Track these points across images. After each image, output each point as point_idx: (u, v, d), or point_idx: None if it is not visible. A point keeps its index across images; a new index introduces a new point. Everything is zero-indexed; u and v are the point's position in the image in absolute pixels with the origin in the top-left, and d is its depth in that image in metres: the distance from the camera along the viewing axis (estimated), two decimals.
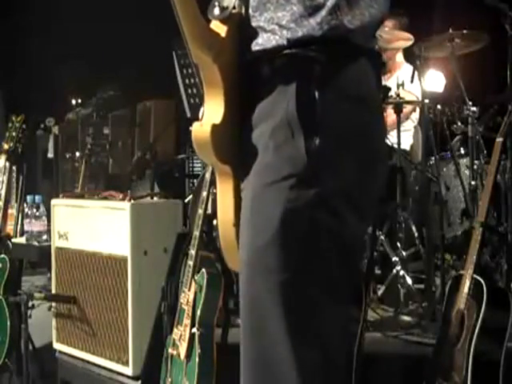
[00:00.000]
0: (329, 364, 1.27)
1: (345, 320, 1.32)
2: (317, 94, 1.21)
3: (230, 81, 1.28)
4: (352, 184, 1.25)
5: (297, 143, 1.21)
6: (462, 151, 3.89)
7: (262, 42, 1.26)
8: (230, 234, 1.34)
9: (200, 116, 1.34)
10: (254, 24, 1.27)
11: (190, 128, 1.31)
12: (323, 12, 1.22)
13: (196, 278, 2.38)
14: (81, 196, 3.16)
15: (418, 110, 4.28)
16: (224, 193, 1.34)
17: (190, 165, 5.59)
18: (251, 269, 1.24)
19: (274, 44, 1.25)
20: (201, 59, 1.26)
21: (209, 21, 1.30)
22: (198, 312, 2.34)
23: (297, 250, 1.22)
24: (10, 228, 3.96)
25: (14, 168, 3.66)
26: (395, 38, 3.99)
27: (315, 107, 1.22)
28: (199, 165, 5.32)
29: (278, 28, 1.24)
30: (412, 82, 3.60)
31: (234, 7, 1.29)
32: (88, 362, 2.87)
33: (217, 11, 1.28)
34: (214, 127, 1.26)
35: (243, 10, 1.30)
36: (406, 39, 3.96)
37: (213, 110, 1.29)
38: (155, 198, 3.07)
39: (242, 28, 1.29)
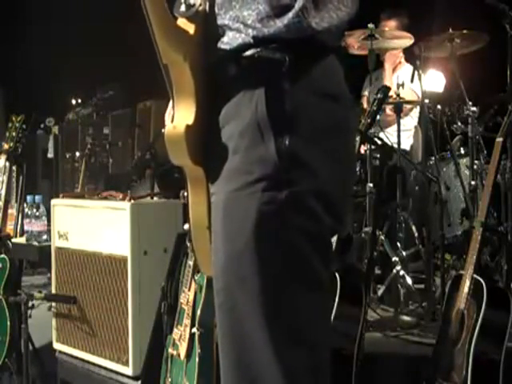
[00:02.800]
0: (315, 363, 1.25)
1: (326, 317, 1.33)
2: (285, 93, 1.20)
3: (200, 80, 1.26)
4: (326, 181, 1.23)
5: (267, 144, 1.19)
6: (462, 151, 3.89)
7: (227, 41, 1.25)
8: (204, 237, 1.31)
9: (169, 118, 1.31)
10: (219, 22, 1.26)
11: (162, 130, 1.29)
12: (290, 14, 1.21)
13: (196, 277, 2.38)
14: (81, 196, 3.16)
15: (418, 107, 4.28)
16: (196, 195, 1.31)
17: None
18: (227, 276, 1.22)
19: (239, 42, 1.24)
20: (170, 58, 1.24)
21: (176, 18, 1.27)
22: (198, 312, 2.34)
23: (272, 254, 1.19)
24: (10, 228, 3.96)
25: (13, 168, 3.66)
26: (395, 38, 3.99)
27: (284, 107, 1.20)
28: None
29: (243, 27, 1.23)
30: (412, 81, 3.60)
31: (200, 4, 1.27)
32: (88, 362, 2.87)
33: (183, 8, 1.26)
34: (188, 128, 1.24)
35: (208, 8, 1.28)
36: (406, 39, 3.96)
37: (184, 111, 1.26)
38: (155, 198, 3.07)
39: (207, 26, 1.27)
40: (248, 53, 1.23)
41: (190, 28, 1.26)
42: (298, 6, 1.21)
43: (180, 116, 1.26)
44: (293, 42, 1.22)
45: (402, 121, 3.73)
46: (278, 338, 1.20)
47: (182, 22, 1.26)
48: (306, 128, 1.21)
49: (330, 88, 1.25)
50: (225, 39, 1.25)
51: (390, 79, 4.32)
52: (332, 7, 1.25)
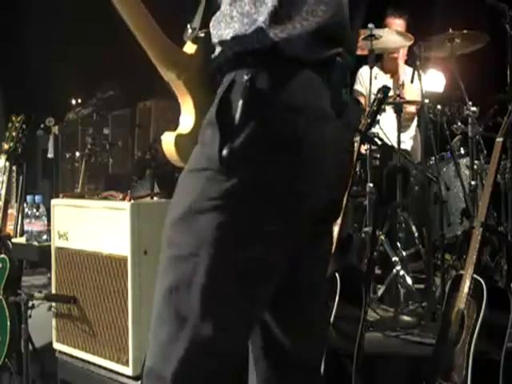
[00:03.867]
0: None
1: (249, 311, 1.33)
2: (239, 101, 1.27)
3: (198, 93, 1.41)
4: (271, 186, 1.27)
5: (214, 145, 1.27)
6: (462, 151, 3.89)
7: (214, 57, 1.38)
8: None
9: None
10: (212, 40, 1.38)
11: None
12: (253, 27, 1.29)
13: None
14: (81, 196, 3.16)
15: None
16: None
17: None
18: (163, 238, 1.34)
19: (221, 58, 1.35)
20: (167, 77, 1.41)
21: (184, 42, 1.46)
22: None
23: (196, 234, 1.28)
24: (10, 228, 3.96)
25: (14, 168, 3.66)
26: (395, 38, 3.99)
27: (234, 114, 1.26)
28: None
29: (223, 43, 1.34)
30: (412, 81, 3.60)
31: (200, 28, 1.44)
32: (88, 362, 2.87)
33: (188, 32, 1.44)
34: (178, 137, 1.40)
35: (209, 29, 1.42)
36: (406, 39, 3.97)
37: (185, 121, 1.42)
38: (155, 198, 3.07)
39: (207, 45, 1.40)
40: (225, 66, 1.35)
41: (192, 49, 1.43)
42: (261, 19, 1.29)
43: (181, 125, 1.42)
44: (256, 54, 1.30)
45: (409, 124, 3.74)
46: (162, 316, 1.30)
47: (188, 46, 1.44)
48: (253, 137, 1.26)
49: (292, 100, 1.28)
50: (214, 55, 1.38)
51: (403, 75, 4.32)
52: (298, 18, 1.30)
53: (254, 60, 1.29)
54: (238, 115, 1.26)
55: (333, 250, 2.64)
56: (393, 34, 3.96)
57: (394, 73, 4.47)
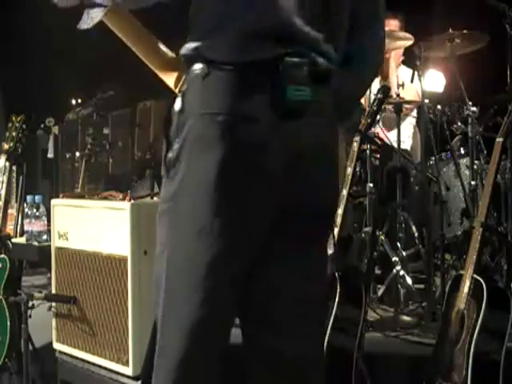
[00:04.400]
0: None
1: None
2: (174, 109, 1.40)
3: None
4: (203, 183, 1.35)
5: (163, 152, 1.42)
6: (462, 151, 3.89)
7: None
8: None
9: None
10: None
11: None
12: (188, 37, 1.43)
13: None
14: (81, 196, 3.16)
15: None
16: None
17: None
18: None
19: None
20: (169, 82, 1.55)
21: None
22: None
23: (161, 234, 1.43)
24: (10, 228, 3.96)
25: (14, 168, 3.66)
26: (395, 38, 3.99)
27: (173, 122, 1.39)
28: None
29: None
30: (412, 82, 3.60)
31: None
32: (88, 362, 2.86)
33: None
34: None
35: None
36: (406, 39, 3.96)
37: None
38: (155, 198, 3.07)
39: None
40: None
41: None
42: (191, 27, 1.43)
43: None
44: (186, 61, 1.42)
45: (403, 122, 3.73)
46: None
47: None
48: (184, 147, 1.37)
49: (209, 105, 1.36)
50: None
51: (394, 77, 4.31)
52: (222, 24, 1.39)
53: (187, 67, 1.41)
54: (174, 123, 1.39)
55: (333, 250, 2.65)
56: (392, 34, 3.96)
57: (385, 75, 4.44)
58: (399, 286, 3.43)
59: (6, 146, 3.43)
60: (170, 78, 1.54)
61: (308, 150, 1.40)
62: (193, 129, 1.36)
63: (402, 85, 3.64)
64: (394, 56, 4.40)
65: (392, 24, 4.31)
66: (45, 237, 3.17)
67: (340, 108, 1.50)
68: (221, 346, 1.43)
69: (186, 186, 1.37)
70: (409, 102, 3.90)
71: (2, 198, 3.36)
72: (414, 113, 4.40)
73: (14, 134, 3.42)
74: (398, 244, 3.56)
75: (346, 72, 1.53)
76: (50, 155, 6.34)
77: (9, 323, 2.97)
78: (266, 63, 1.35)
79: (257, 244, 1.41)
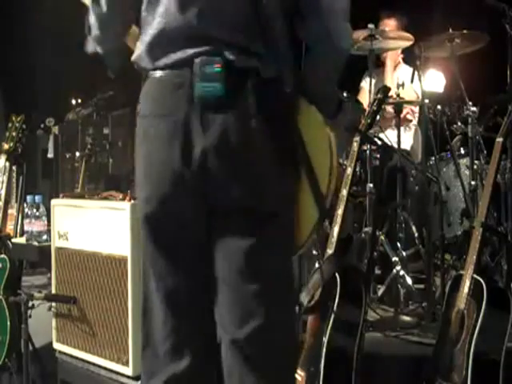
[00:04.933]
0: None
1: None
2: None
3: None
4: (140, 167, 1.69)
5: None
6: (462, 151, 3.89)
7: None
8: None
9: None
10: None
11: None
12: None
13: None
14: (81, 196, 3.15)
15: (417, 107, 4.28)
16: None
17: None
18: None
19: None
20: None
21: None
22: None
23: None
24: (10, 228, 3.96)
25: (14, 168, 3.66)
26: (395, 38, 3.99)
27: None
28: None
29: None
30: (412, 82, 3.60)
31: None
32: (88, 362, 2.87)
33: None
34: None
35: None
36: (406, 39, 3.96)
37: None
38: None
39: None
40: None
41: None
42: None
43: None
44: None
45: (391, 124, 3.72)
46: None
47: None
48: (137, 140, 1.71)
49: (143, 108, 1.76)
50: None
51: (391, 77, 4.31)
52: (143, 35, 1.64)
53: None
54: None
55: (333, 251, 2.65)
56: (392, 34, 3.96)
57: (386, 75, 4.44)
58: (399, 286, 3.42)
59: (5, 146, 3.43)
60: None
61: (218, 145, 1.51)
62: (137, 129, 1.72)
63: (402, 85, 3.64)
64: (391, 56, 4.41)
65: (389, 24, 4.31)
66: (45, 237, 3.17)
67: (314, 98, 1.59)
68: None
69: (136, 178, 1.69)
70: (408, 102, 3.90)
71: (2, 198, 3.36)
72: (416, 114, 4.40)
73: (13, 133, 3.43)
74: (398, 244, 3.56)
75: (307, 62, 1.60)
76: (50, 155, 6.33)
77: (9, 323, 2.97)
78: (181, 64, 1.53)
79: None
